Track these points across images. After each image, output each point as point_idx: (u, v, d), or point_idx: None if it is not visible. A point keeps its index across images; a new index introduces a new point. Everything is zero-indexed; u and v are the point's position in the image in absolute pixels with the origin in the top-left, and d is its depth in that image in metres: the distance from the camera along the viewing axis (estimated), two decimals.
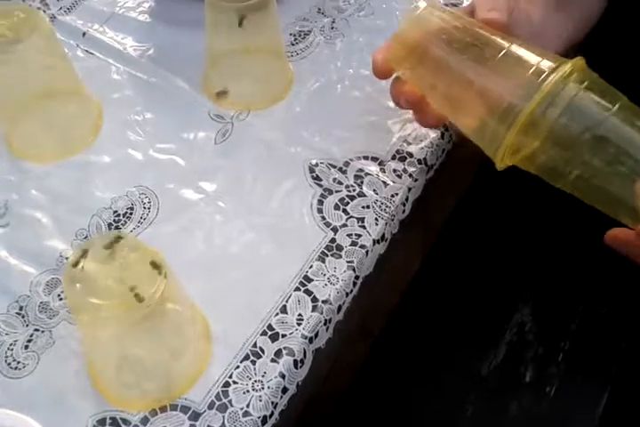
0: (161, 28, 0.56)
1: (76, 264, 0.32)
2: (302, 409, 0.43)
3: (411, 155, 0.48)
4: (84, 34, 0.55)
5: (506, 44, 0.38)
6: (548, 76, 0.36)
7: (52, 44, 0.46)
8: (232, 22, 0.47)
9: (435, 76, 0.41)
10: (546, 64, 0.37)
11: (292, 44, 0.55)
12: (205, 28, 0.49)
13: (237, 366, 0.38)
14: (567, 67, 0.36)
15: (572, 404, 0.61)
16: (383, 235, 0.45)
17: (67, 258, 0.43)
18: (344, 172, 0.47)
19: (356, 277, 0.43)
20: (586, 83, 0.36)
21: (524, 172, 0.39)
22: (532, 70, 0.36)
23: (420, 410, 0.59)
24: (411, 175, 0.47)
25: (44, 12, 0.56)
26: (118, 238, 0.31)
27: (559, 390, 0.60)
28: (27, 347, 0.39)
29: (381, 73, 0.43)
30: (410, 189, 0.47)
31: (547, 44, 0.44)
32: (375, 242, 0.44)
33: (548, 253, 0.71)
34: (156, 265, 0.31)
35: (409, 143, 0.49)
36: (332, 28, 0.56)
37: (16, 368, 0.38)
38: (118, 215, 0.45)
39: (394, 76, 0.43)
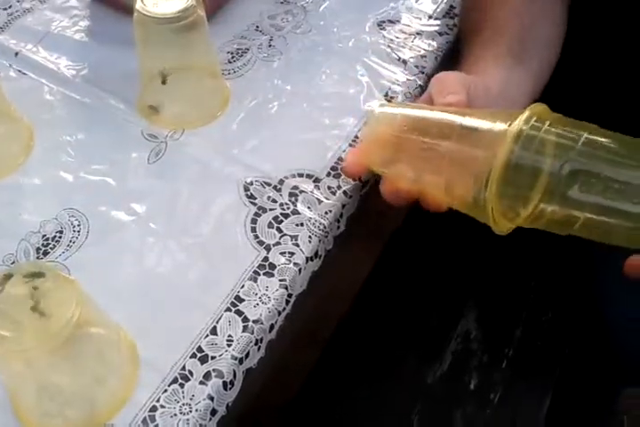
0: (97, 46, 0.56)
1: None
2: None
3: None
4: (16, 53, 0.55)
5: (462, 118, 0.38)
6: (506, 130, 0.35)
7: None
8: (163, 42, 0.47)
9: (413, 168, 0.41)
10: (503, 121, 0.36)
11: (229, 62, 0.55)
12: (137, 48, 0.48)
13: (165, 390, 0.38)
14: (524, 115, 0.36)
15: (515, 409, 0.62)
16: (317, 252, 0.45)
17: None
18: (279, 190, 0.47)
19: (289, 296, 0.43)
20: (547, 123, 0.36)
21: None
22: (492, 132, 0.36)
23: (367, 421, 0.60)
24: (345, 192, 0.48)
25: None
26: (35, 274, 0.31)
27: (503, 397, 0.61)
28: None
29: (352, 175, 0.45)
30: (344, 206, 0.48)
31: (512, 103, 0.45)
32: (308, 259, 0.45)
33: (491, 260, 0.72)
34: (69, 293, 0.31)
35: (343, 160, 0.49)
36: (270, 45, 0.57)
37: None
38: (47, 239, 0.44)
39: (383, 177, 0.43)
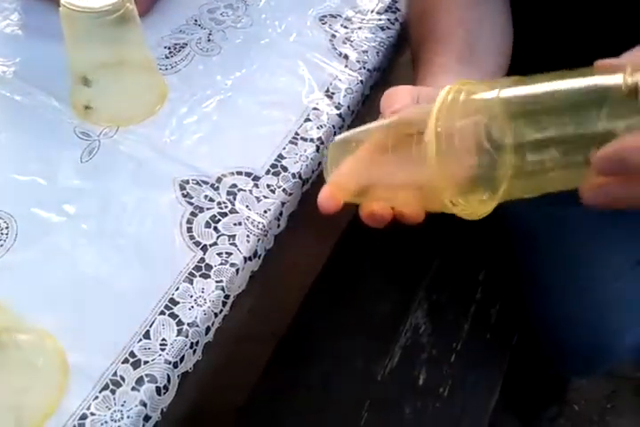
0: (29, 41, 0.54)
1: None
2: None
3: (285, 169, 0.48)
4: None
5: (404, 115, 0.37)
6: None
7: None
8: (92, 36, 0.45)
9: (383, 185, 0.38)
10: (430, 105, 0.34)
11: (167, 58, 0.54)
12: (65, 42, 0.47)
13: (96, 397, 0.37)
14: (445, 91, 0.34)
15: (464, 402, 0.62)
16: (255, 251, 0.45)
17: None
18: (216, 188, 0.47)
19: (226, 297, 0.42)
20: (465, 87, 0.34)
21: None
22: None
23: (317, 420, 0.59)
24: (284, 190, 0.47)
25: None
26: None
27: (452, 391, 0.62)
28: None
29: (329, 210, 0.40)
30: (284, 204, 0.47)
31: None
32: (246, 259, 0.44)
33: (440, 253, 0.72)
34: None
35: (283, 157, 0.49)
36: (209, 40, 0.56)
37: None
38: None
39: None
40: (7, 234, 0.43)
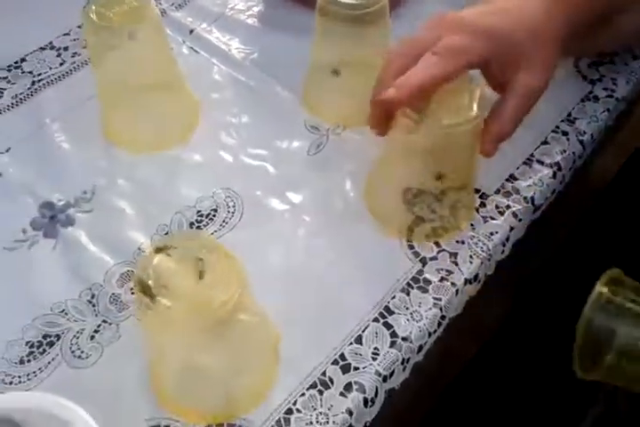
0: (268, 33, 0.55)
1: (150, 261, 0.29)
2: None
3: (517, 191, 0.45)
4: (191, 31, 0.55)
5: None
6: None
7: (159, 37, 0.45)
8: (342, 32, 0.45)
9: None
10: None
11: None
12: (314, 37, 0.47)
13: (303, 394, 0.35)
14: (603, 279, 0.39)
15: None
16: (477, 275, 0.41)
17: (144, 251, 0.41)
18: (440, 200, 0.44)
19: (442, 318, 0.39)
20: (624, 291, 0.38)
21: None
22: None
23: None
24: (514, 214, 0.44)
25: (156, 5, 0.56)
26: (196, 238, 0.29)
27: None
28: (92, 338, 0.37)
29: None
30: (512, 229, 0.43)
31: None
32: (467, 282, 0.41)
33: None
34: (231, 271, 0.29)
35: (515, 178, 0.45)
36: None
37: (79, 357, 0.37)
38: (201, 215, 0.43)
39: None
40: (233, 213, 0.43)
